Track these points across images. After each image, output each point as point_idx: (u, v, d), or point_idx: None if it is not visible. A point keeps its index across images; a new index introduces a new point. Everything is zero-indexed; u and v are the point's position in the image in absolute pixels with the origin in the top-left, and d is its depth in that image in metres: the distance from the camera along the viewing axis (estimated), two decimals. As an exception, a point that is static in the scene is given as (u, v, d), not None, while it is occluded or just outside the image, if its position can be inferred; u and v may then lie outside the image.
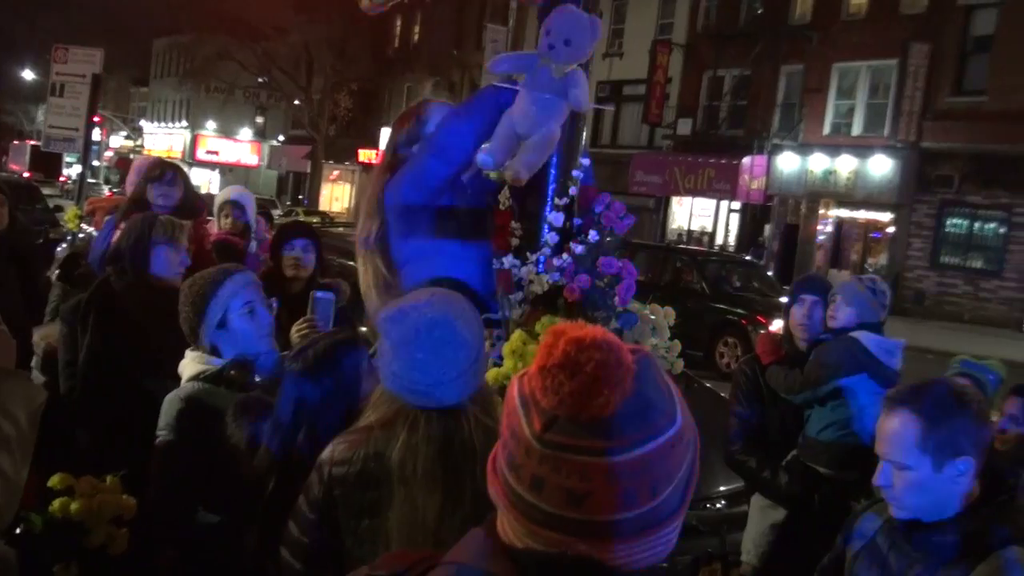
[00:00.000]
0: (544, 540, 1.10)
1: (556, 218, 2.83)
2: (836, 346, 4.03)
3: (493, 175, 2.89)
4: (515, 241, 2.84)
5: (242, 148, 61.44)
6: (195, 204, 4.81)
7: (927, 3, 25.70)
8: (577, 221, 2.90)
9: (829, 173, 27.43)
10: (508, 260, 2.81)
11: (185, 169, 5.58)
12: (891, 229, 26.79)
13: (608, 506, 1.06)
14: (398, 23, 47.46)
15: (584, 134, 2.97)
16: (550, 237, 2.84)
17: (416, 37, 46.95)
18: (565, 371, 1.06)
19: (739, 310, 14.88)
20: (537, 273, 2.79)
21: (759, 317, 14.26)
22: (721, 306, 15.12)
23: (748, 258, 20.02)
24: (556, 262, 2.78)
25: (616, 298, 2.75)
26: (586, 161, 2.91)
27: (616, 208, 2.82)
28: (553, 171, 2.89)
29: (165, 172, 4.67)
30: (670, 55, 32.04)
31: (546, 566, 1.10)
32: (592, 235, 2.79)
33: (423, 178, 2.90)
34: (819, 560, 2.53)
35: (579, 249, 2.77)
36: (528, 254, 2.83)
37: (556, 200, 2.88)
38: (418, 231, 2.90)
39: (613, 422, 1.07)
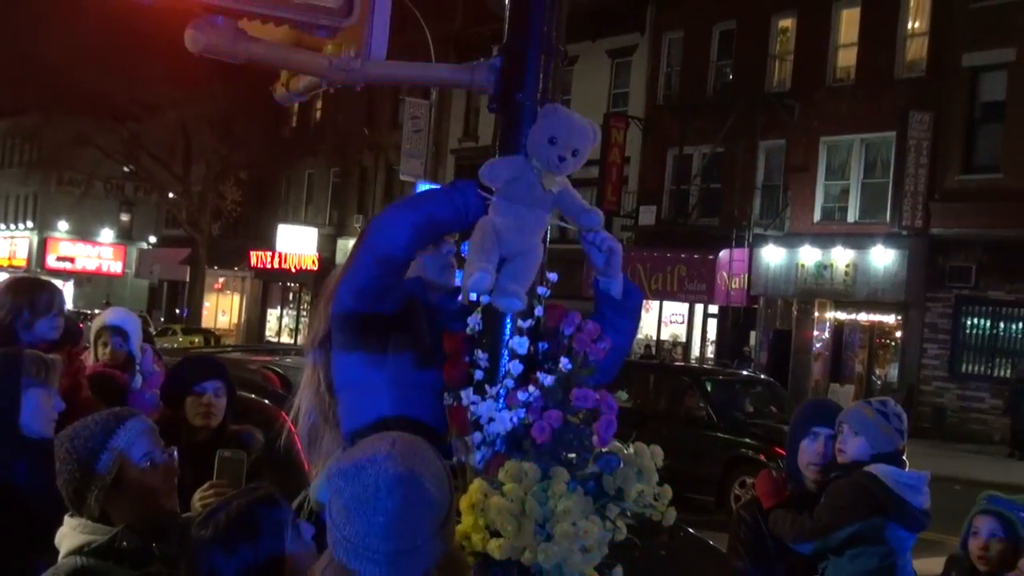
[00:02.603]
0: None
1: (519, 344, 2.93)
2: (849, 484, 4.15)
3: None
4: (478, 374, 2.91)
5: (103, 253, 61.09)
6: (73, 330, 4.82)
7: (926, 66, 26.81)
8: (543, 346, 2.98)
9: (823, 268, 28.04)
10: (466, 395, 2.87)
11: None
12: (900, 333, 27.34)
13: None
14: (296, 98, 48.03)
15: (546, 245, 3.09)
16: (512, 366, 2.92)
17: (318, 114, 47.51)
18: None
19: (754, 441, 14.84)
20: (499, 410, 2.86)
21: (777, 449, 14.28)
22: (732, 437, 15.11)
23: (763, 376, 20.17)
24: (521, 396, 2.85)
25: (595, 437, 2.83)
26: (553, 276, 3.03)
27: (589, 330, 2.92)
28: (514, 288, 2.99)
29: (55, 299, 4.69)
30: (627, 131, 32.84)
31: None
32: (563, 363, 2.88)
33: (353, 274, 3.00)
34: None
35: (547, 380, 2.86)
36: (487, 387, 2.91)
37: (519, 322, 2.98)
38: (361, 346, 2.97)
39: None
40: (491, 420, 2.86)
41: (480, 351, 2.95)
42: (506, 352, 2.96)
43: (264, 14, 2.91)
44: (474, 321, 2.96)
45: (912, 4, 27.58)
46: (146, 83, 41.11)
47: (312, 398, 3.18)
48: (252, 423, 4.76)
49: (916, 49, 27.50)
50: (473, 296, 2.94)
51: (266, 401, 7.06)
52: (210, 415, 4.43)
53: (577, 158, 2.94)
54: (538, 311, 2.99)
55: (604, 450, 2.87)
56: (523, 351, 2.93)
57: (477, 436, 2.88)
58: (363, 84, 3.13)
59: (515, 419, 2.85)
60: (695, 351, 32.13)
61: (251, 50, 2.98)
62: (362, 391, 3.00)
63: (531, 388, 2.85)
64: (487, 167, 2.98)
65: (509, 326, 2.98)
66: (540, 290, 3.00)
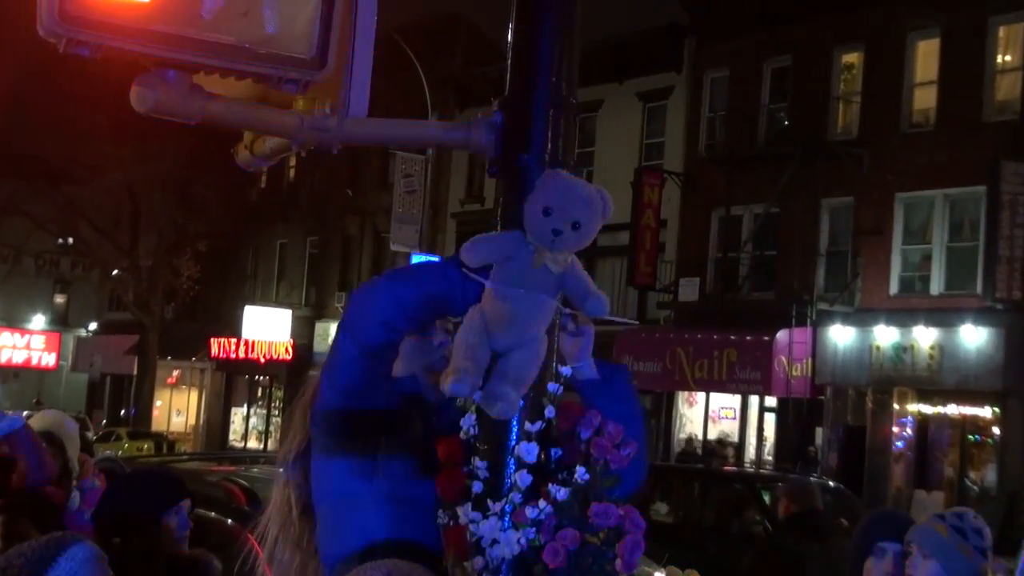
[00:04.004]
0: None
1: (527, 451, 2.95)
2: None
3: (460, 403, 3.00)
4: (477, 486, 2.92)
5: (34, 342, 61.12)
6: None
7: (1020, 107, 26.98)
8: (556, 453, 3.00)
9: (902, 351, 27.95)
10: (464, 512, 2.89)
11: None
12: (998, 429, 27.18)
13: None
14: (266, 154, 48.30)
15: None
16: (519, 477, 2.94)
17: (292, 172, 47.73)
18: None
19: None
20: (504, 530, 2.88)
21: None
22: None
23: (832, 482, 20.15)
24: (530, 513, 2.87)
25: (618, 561, 2.84)
26: (566, 371, 3.06)
27: (610, 432, 2.94)
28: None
29: None
30: (662, 188, 32.92)
31: None
32: (579, 472, 2.91)
33: (334, 364, 3.04)
34: None
35: (561, 494, 2.88)
36: (489, 502, 2.92)
37: (526, 425, 3.00)
38: (345, 451, 2.98)
39: None
40: (495, 542, 2.87)
41: (479, 459, 2.95)
42: (512, 460, 2.97)
43: (223, 67, 2.93)
44: (468, 423, 2.97)
45: (1002, 34, 27.80)
46: (86, 140, 41.38)
47: (281, 523, 3.20)
48: (211, 546, 4.78)
49: (1008, 87, 27.67)
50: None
51: (229, 520, 7.09)
52: (171, 542, 4.45)
53: (579, 232, 2.93)
54: (549, 412, 3.01)
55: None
56: (532, 459, 2.94)
57: (479, 561, 2.88)
58: (340, 146, 3.17)
59: (523, 540, 2.86)
60: (750, 453, 31.94)
61: (208, 109, 3.00)
62: (348, 508, 3.00)
63: (542, 503, 2.87)
64: (469, 245, 2.99)
65: (515, 429, 2.99)
66: (551, 386, 3.02)
